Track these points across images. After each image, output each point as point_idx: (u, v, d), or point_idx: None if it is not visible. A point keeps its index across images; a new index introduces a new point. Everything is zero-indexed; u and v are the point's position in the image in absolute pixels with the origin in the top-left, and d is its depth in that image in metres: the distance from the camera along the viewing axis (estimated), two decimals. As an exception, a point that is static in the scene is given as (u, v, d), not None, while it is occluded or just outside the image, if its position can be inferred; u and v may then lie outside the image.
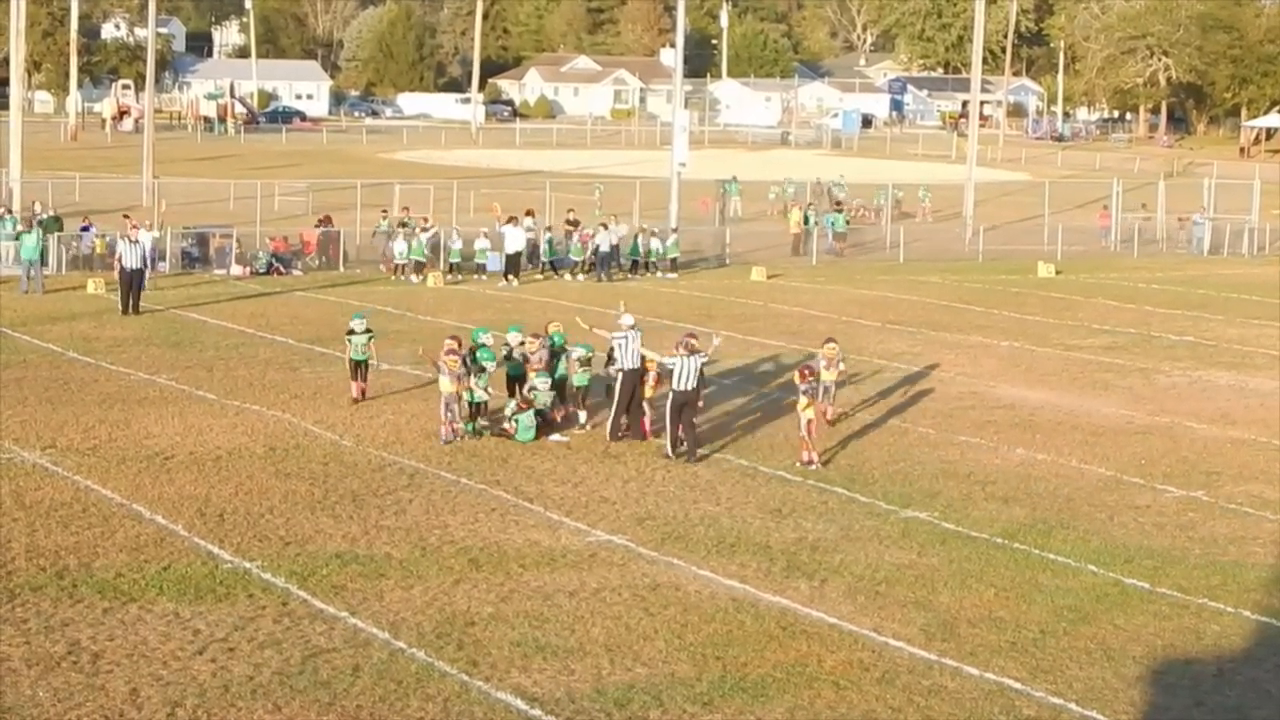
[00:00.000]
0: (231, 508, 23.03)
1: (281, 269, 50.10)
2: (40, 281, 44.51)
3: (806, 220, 60.68)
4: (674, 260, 52.90)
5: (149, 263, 43.31)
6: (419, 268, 49.43)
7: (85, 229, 50.58)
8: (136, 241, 41.85)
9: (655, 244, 52.53)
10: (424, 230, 50.55)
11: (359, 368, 30.56)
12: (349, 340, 30.60)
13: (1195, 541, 22.81)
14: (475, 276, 49.89)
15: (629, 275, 51.63)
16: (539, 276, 50.39)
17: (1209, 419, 31.12)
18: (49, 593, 19.11)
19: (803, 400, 26.36)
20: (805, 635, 18.47)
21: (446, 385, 27.33)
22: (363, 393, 30.41)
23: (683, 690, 16.75)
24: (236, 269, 49.73)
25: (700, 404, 27.58)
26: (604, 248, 51.08)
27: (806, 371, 26.76)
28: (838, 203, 66.95)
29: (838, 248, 60.02)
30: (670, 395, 26.92)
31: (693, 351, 27.07)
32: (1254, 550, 22.48)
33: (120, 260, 41.88)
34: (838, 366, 29.42)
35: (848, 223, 62.18)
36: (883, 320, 42.64)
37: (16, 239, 46.59)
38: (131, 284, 41.31)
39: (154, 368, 33.43)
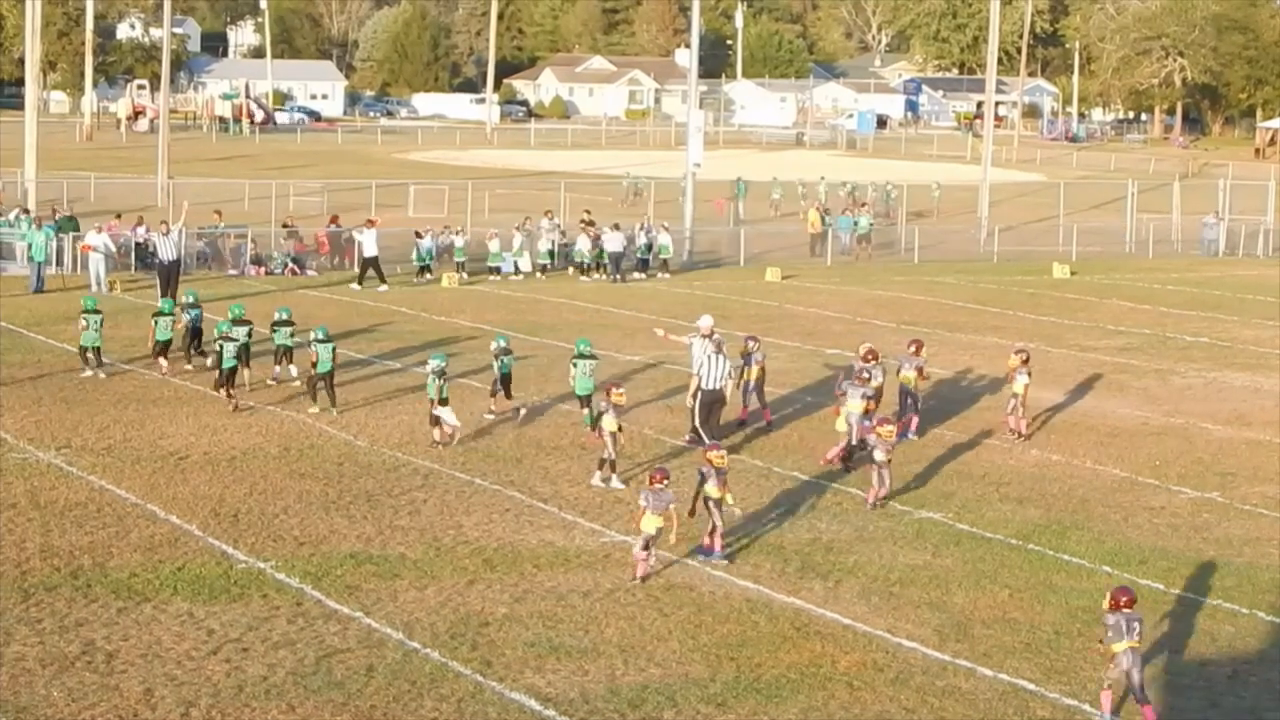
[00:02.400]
0: (246, 508, 23.07)
1: (296, 269, 50.18)
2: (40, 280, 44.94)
3: (823, 220, 60.63)
4: (665, 261, 52.59)
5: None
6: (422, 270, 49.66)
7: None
8: (169, 234, 43.19)
9: (641, 239, 52.39)
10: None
11: (325, 380, 29.20)
12: (316, 349, 29.20)
13: (1210, 543, 22.78)
14: (489, 278, 49.98)
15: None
16: (540, 276, 50.43)
17: (1224, 420, 31.07)
18: (63, 592, 19.15)
19: (880, 455, 23.99)
20: (819, 636, 18.47)
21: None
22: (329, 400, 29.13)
23: (697, 691, 16.75)
24: (251, 269, 49.82)
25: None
26: (613, 247, 51.02)
27: (890, 429, 24.35)
28: (863, 203, 66.70)
29: (857, 250, 59.69)
30: (699, 394, 26.89)
31: (720, 349, 27.18)
32: (1269, 552, 22.43)
33: (156, 254, 43.60)
34: (916, 366, 29.14)
35: (870, 224, 61.85)
36: (898, 321, 42.57)
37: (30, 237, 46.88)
38: (169, 276, 42.68)
39: (168, 367, 33.42)
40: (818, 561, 21.31)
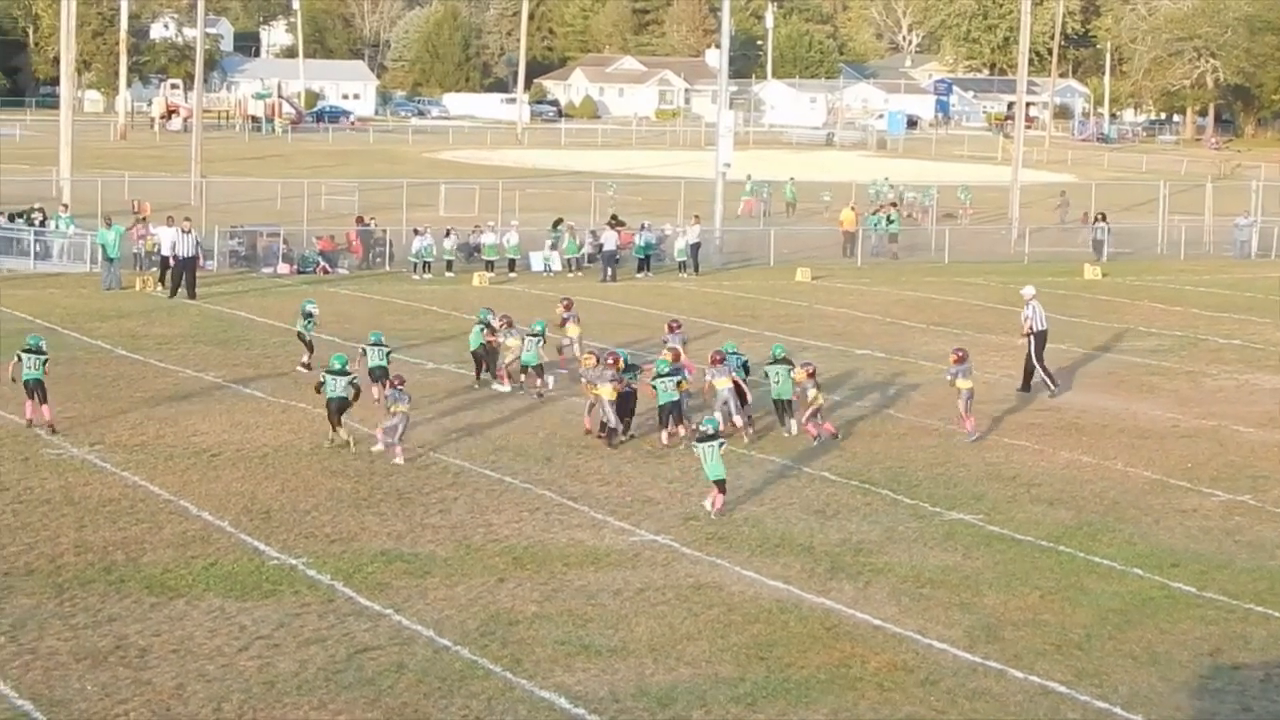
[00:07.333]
0: (277, 504, 23.15)
1: (328, 268, 50.33)
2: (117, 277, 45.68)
3: (857, 220, 60.54)
4: (639, 260, 52.12)
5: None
6: (449, 266, 50.00)
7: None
8: (189, 232, 44.17)
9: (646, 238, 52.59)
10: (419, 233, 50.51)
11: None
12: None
13: (1242, 546, 22.70)
14: (508, 274, 50.17)
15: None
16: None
17: (1256, 422, 30.94)
18: (97, 588, 19.25)
19: None
20: (849, 637, 18.46)
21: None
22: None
23: (726, 691, 16.76)
24: (283, 268, 49.98)
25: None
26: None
27: None
28: (893, 204, 66.52)
29: (891, 248, 59.59)
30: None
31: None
32: (1301, 555, 22.34)
33: (174, 249, 44.43)
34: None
35: (891, 221, 61.63)
36: (927, 322, 42.52)
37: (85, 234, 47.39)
38: (182, 272, 43.76)
39: (201, 365, 33.61)
40: (847, 562, 21.30)
